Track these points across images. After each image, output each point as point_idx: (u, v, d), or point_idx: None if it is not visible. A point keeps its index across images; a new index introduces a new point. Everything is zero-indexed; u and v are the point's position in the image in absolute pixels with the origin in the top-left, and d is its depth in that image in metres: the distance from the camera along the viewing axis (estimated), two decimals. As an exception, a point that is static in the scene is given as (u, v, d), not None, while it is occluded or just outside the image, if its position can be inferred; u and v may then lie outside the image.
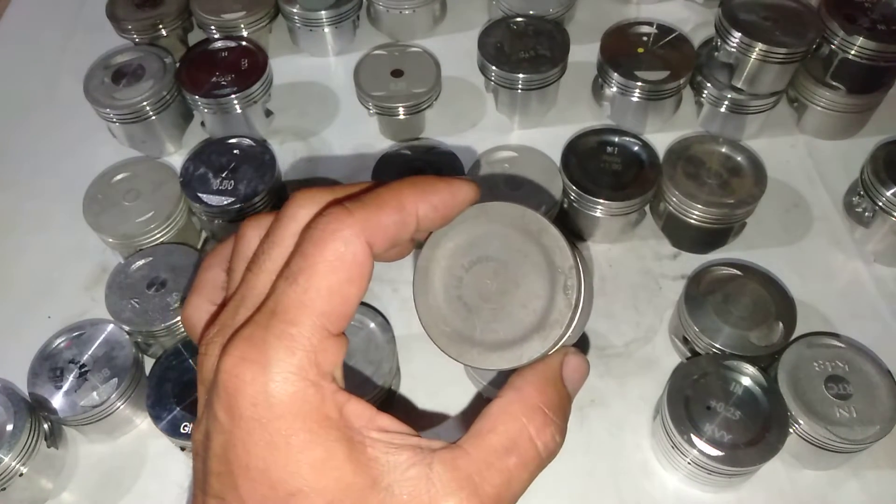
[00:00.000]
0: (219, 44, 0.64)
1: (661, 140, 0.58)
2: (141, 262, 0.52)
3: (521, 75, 0.60)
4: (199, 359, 0.26)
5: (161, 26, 0.68)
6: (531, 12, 0.65)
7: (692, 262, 0.56)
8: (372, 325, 0.48)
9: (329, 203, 0.26)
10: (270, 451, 0.23)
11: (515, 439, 0.26)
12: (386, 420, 0.26)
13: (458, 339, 0.29)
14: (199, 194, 0.54)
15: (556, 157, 0.56)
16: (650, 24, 0.63)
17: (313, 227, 0.25)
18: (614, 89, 0.61)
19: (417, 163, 0.56)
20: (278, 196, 0.57)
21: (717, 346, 0.47)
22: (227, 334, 0.25)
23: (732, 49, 0.58)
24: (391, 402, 0.50)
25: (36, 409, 0.46)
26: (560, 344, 0.28)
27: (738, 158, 0.56)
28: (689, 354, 0.50)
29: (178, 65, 0.62)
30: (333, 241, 0.25)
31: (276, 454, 0.23)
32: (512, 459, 0.26)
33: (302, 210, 0.27)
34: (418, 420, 0.49)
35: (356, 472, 0.24)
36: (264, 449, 0.23)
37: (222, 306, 0.27)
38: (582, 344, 0.31)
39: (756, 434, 0.43)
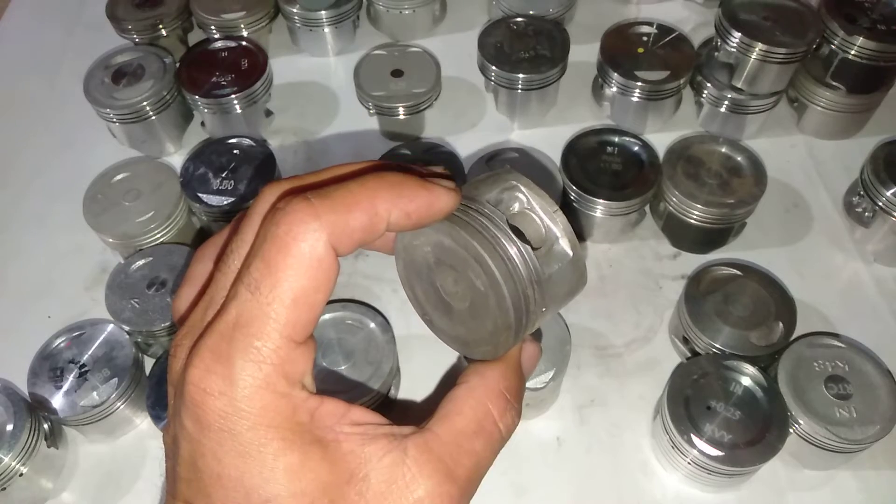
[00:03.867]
0: (219, 44, 0.64)
1: (661, 140, 0.58)
2: (141, 262, 0.52)
3: (521, 75, 0.60)
4: (169, 360, 0.26)
5: (161, 26, 0.68)
6: (531, 12, 0.65)
7: (692, 262, 0.56)
8: (372, 325, 0.48)
9: (289, 191, 0.25)
10: (243, 460, 0.23)
11: (482, 422, 0.27)
12: (358, 413, 0.26)
13: (436, 328, 0.30)
14: (199, 194, 0.54)
15: (556, 157, 0.56)
16: (650, 24, 0.63)
17: (274, 224, 0.23)
18: (614, 89, 0.61)
19: (417, 163, 0.56)
20: (278, 196, 0.56)
21: (717, 346, 0.47)
22: (195, 336, 0.25)
23: (732, 49, 0.58)
24: (391, 402, 0.50)
25: (36, 409, 0.46)
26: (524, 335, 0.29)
27: (738, 158, 0.56)
28: (689, 354, 0.50)
29: (178, 65, 0.62)
30: (296, 244, 0.23)
31: (249, 462, 0.23)
32: (480, 441, 0.27)
33: (269, 205, 0.25)
34: (418, 420, 0.49)
35: (332, 470, 0.24)
36: (236, 458, 0.23)
37: (194, 305, 0.27)
38: (535, 333, 0.33)
39: (756, 434, 0.43)
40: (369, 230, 0.24)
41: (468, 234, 0.26)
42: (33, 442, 0.45)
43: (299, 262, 0.23)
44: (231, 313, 0.24)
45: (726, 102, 0.61)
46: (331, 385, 0.45)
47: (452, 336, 0.30)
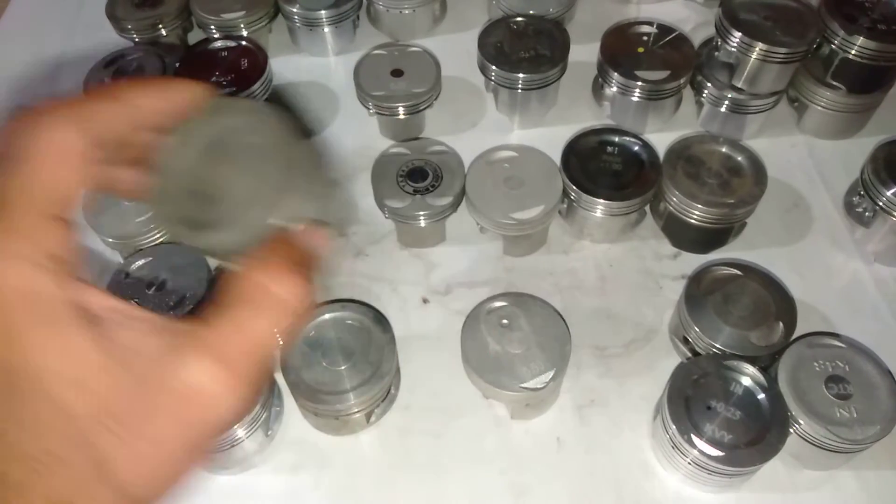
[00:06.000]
0: (219, 43, 0.64)
1: (661, 140, 0.58)
2: (141, 262, 0.52)
3: (521, 75, 0.60)
4: None
5: (161, 26, 0.68)
6: (531, 12, 0.65)
7: (692, 262, 0.56)
8: (372, 325, 0.48)
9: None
10: (5, 343, 0.23)
11: (256, 298, 0.26)
12: (125, 304, 0.26)
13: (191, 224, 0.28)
14: (199, 194, 0.54)
15: (556, 157, 0.56)
16: (650, 23, 0.63)
17: (24, 118, 0.25)
18: (614, 89, 0.61)
19: (417, 162, 0.56)
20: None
21: (718, 346, 0.47)
22: None
23: (733, 49, 0.58)
24: (391, 402, 0.50)
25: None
26: (297, 217, 0.28)
27: (739, 158, 0.56)
28: (689, 354, 0.50)
29: (177, 65, 0.62)
30: (44, 128, 0.25)
31: (11, 344, 0.23)
32: (257, 318, 0.25)
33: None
34: (418, 420, 0.49)
35: (97, 350, 0.24)
36: None
37: None
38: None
39: (756, 434, 0.43)
40: (121, 114, 0.27)
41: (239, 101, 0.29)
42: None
43: (47, 142, 0.25)
44: None
45: (726, 102, 0.61)
46: (331, 385, 0.45)
47: (218, 237, 0.28)
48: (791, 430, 0.44)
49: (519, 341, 0.47)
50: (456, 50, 0.69)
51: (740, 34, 0.57)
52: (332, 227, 0.30)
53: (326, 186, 0.30)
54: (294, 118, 0.29)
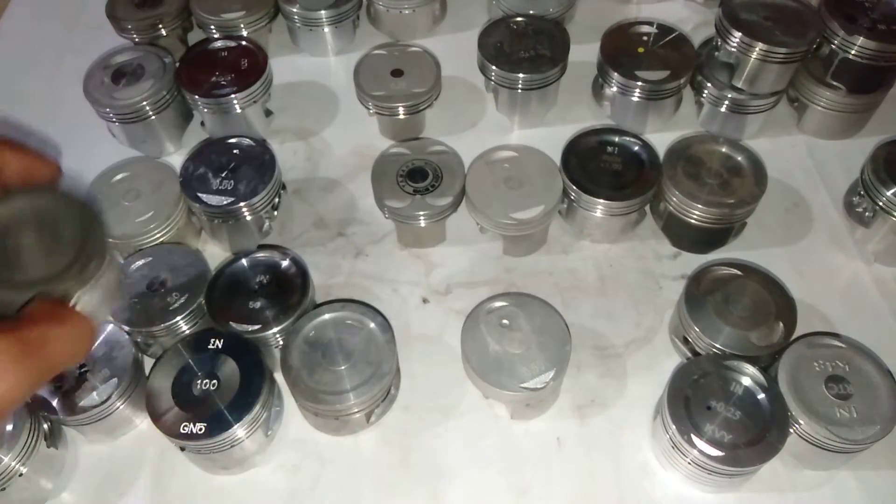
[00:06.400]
0: (219, 43, 0.64)
1: (661, 140, 0.58)
2: (141, 262, 0.52)
3: (521, 75, 0.60)
4: None
5: (161, 26, 0.68)
6: (531, 12, 0.65)
7: (692, 262, 0.56)
8: (372, 325, 0.48)
9: None
10: None
11: None
12: None
13: None
14: (199, 194, 0.54)
15: (556, 157, 0.56)
16: (650, 23, 0.63)
17: None
18: (614, 89, 0.61)
19: (417, 162, 0.56)
20: (278, 196, 0.56)
21: (718, 346, 0.47)
22: None
23: (733, 49, 0.58)
24: (391, 402, 0.50)
25: (35, 409, 0.46)
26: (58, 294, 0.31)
27: (739, 158, 0.56)
28: (689, 354, 0.50)
29: (177, 64, 0.62)
30: None
31: None
32: None
33: None
34: (418, 420, 0.49)
35: None
36: None
37: None
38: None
39: (756, 434, 0.43)
40: None
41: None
42: (33, 442, 0.45)
43: None
44: None
45: (726, 102, 0.61)
46: (331, 385, 0.45)
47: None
48: (791, 430, 0.44)
49: (519, 341, 0.47)
50: (456, 50, 0.69)
51: (740, 34, 0.57)
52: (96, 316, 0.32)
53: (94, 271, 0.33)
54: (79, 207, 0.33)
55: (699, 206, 0.53)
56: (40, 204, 0.33)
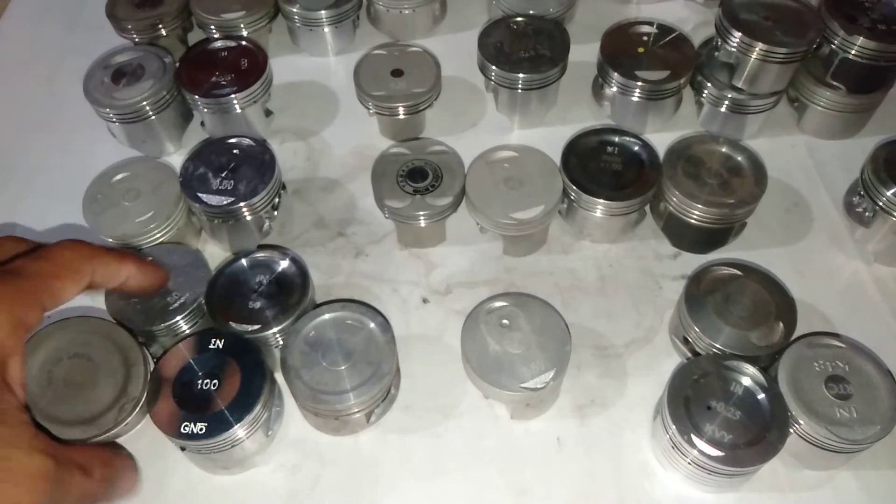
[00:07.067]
0: (219, 43, 0.64)
1: (661, 140, 0.58)
2: (141, 262, 0.52)
3: (521, 75, 0.60)
4: None
5: (161, 26, 0.68)
6: (531, 12, 0.65)
7: (692, 262, 0.56)
8: (372, 325, 0.48)
9: None
10: None
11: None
12: None
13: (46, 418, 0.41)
14: (199, 194, 0.54)
15: (556, 157, 0.56)
16: (650, 23, 0.63)
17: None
18: (614, 89, 0.61)
19: (417, 162, 0.56)
20: (278, 196, 0.56)
21: (718, 346, 0.47)
22: None
23: (733, 49, 0.58)
24: (391, 402, 0.50)
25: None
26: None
27: (739, 158, 0.56)
28: (689, 354, 0.50)
29: (177, 64, 0.62)
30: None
31: None
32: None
33: None
34: (418, 420, 0.49)
35: None
36: None
37: None
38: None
39: (756, 434, 0.43)
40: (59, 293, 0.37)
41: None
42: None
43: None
44: None
45: (726, 102, 0.61)
46: (331, 385, 0.45)
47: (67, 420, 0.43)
48: (791, 430, 0.44)
49: (519, 341, 0.47)
50: (456, 50, 0.69)
51: (740, 34, 0.57)
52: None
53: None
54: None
55: (699, 206, 0.53)
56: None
